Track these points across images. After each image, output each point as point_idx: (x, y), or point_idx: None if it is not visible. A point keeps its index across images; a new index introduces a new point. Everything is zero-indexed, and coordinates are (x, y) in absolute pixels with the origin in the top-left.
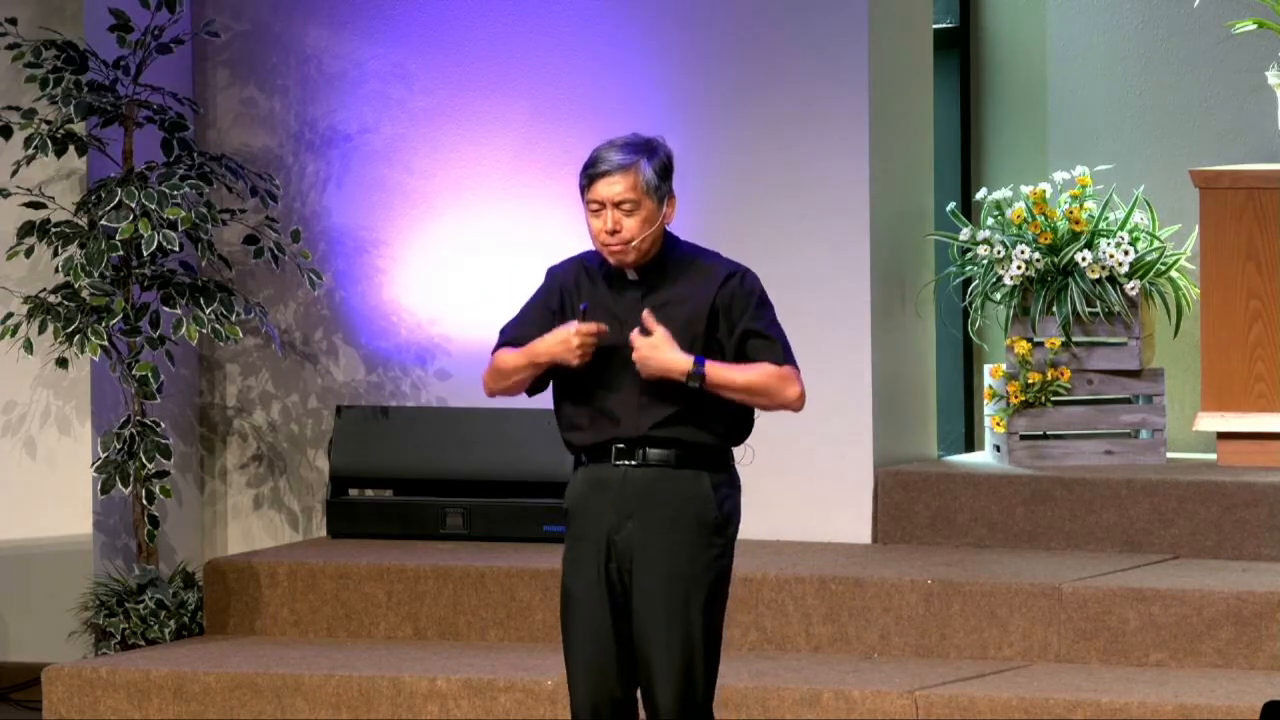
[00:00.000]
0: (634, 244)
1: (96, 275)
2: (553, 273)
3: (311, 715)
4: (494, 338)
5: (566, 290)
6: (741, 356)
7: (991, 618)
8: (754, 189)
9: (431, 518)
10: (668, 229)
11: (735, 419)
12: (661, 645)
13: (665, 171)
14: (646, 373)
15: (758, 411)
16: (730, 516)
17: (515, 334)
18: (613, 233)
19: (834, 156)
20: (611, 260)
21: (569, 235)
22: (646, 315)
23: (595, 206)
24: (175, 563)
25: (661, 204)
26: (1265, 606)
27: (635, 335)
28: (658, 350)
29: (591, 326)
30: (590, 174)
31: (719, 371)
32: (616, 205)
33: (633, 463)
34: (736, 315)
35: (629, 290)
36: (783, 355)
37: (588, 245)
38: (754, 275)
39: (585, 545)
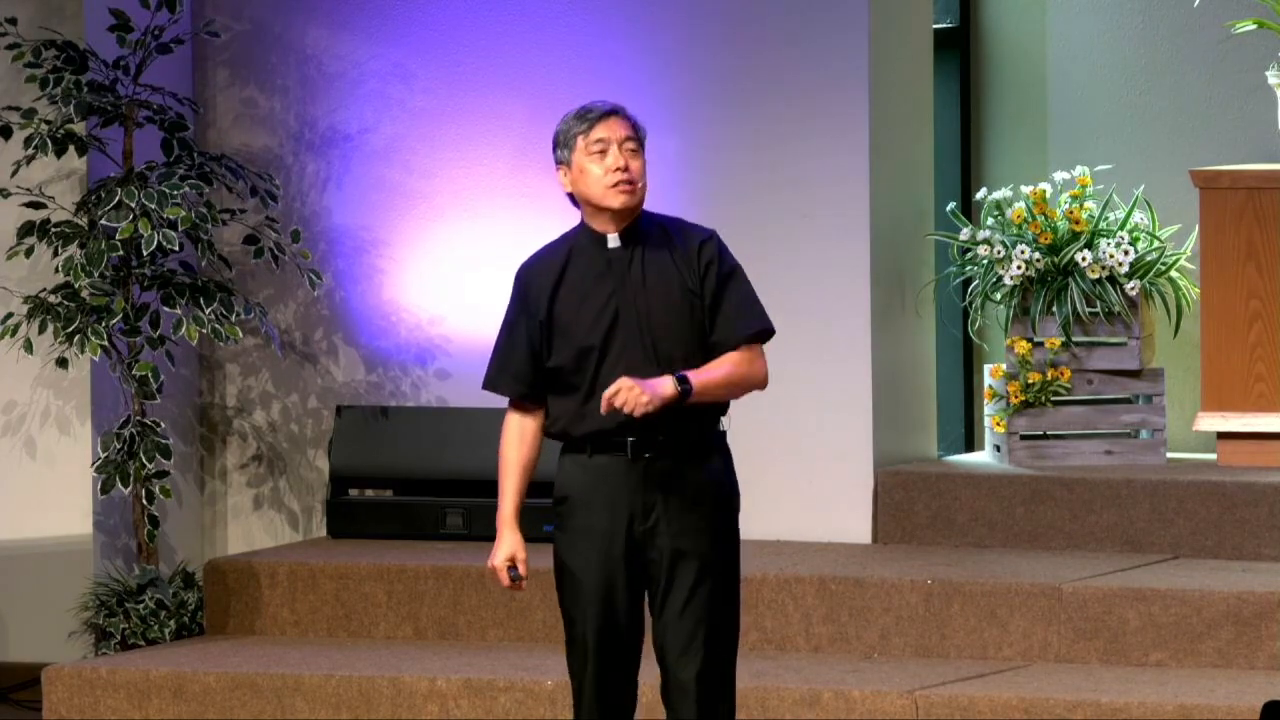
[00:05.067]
0: (638, 184)
1: (96, 275)
2: (523, 276)
3: (311, 715)
4: (493, 337)
5: (544, 290)
6: (723, 325)
7: (991, 618)
8: (753, 188)
9: (431, 518)
10: None
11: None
12: (691, 626)
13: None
14: (644, 410)
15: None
16: (736, 490)
17: (507, 369)
18: (624, 169)
19: (834, 156)
20: (616, 202)
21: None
22: (606, 396)
23: (599, 147)
24: (175, 563)
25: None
26: (1265, 606)
27: (610, 393)
28: (649, 387)
29: (506, 581)
30: (590, 119)
31: (701, 379)
32: (621, 144)
33: (649, 454)
34: (715, 285)
35: (616, 254)
36: (757, 325)
37: None
38: (720, 240)
39: (588, 539)
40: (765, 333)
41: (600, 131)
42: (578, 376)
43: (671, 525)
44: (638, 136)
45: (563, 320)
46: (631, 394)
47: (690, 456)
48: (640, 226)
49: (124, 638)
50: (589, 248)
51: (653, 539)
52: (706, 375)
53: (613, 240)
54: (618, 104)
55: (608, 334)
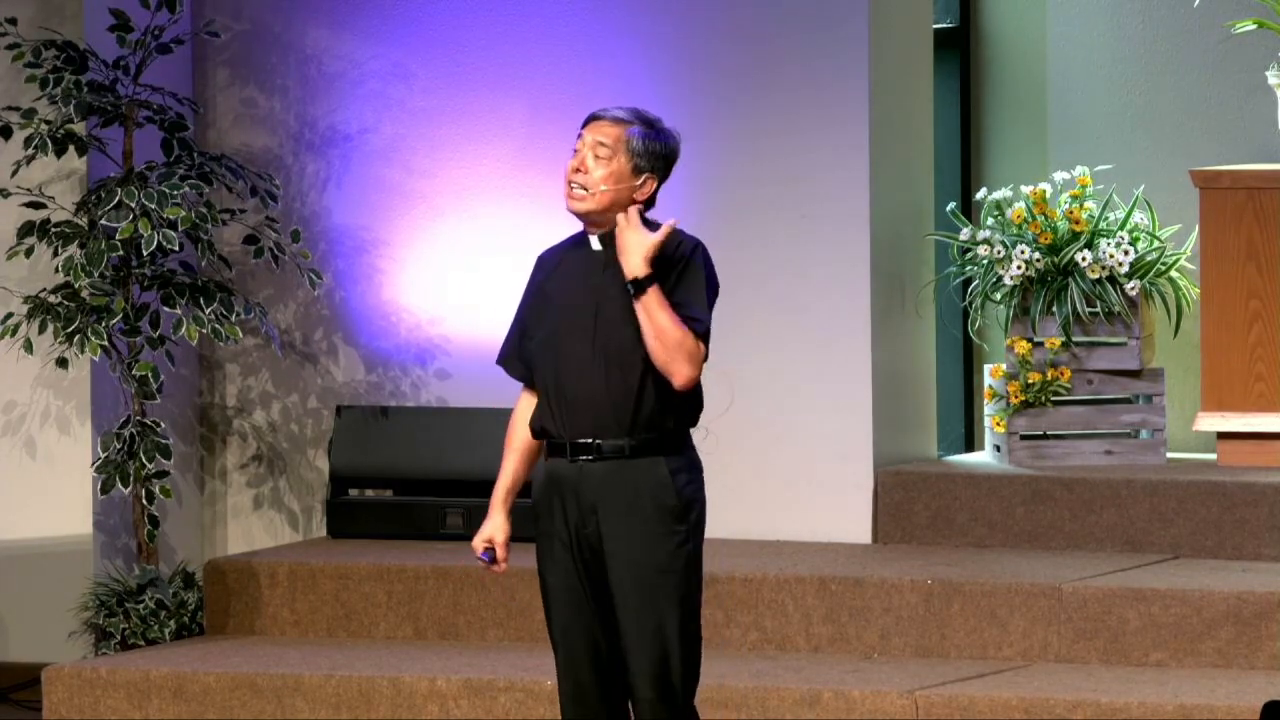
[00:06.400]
0: (591, 191)
1: (96, 275)
2: (539, 260)
3: (311, 715)
4: (494, 337)
5: (545, 274)
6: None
7: (991, 618)
8: (754, 188)
9: (431, 518)
10: (649, 216)
11: (686, 402)
12: (635, 637)
13: (656, 151)
14: (619, 240)
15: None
16: (692, 502)
17: (512, 351)
18: (577, 170)
19: (834, 156)
20: (567, 201)
21: (569, 234)
22: (631, 210)
23: (576, 147)
24: (175, 563)
25: (637, 174)
26: (1265, 606)
27: (622, 217)
28: (636, 239)
29: (479, 553)
30: (587, 118)
31: (657, 297)
32: (591, 148)
33: (589, 457)
34: (676, 284)
35: (593, 258)
36: (700, 330)
37: None
38: (703, 250)
39: (555, 543)
40: (693, 322)
41: (583, 132)
42: (540, 369)
43: (613, 530)
44: (613, 145)
45: (536, 312)
46: (625, 231)
47: (631, 460)
48: None
49: (124, 638)
50: (580, 247)
51: (600, 543)
52: (664, 301)
53: (594, 243)
54: (623, 114)
55: (563, 330)
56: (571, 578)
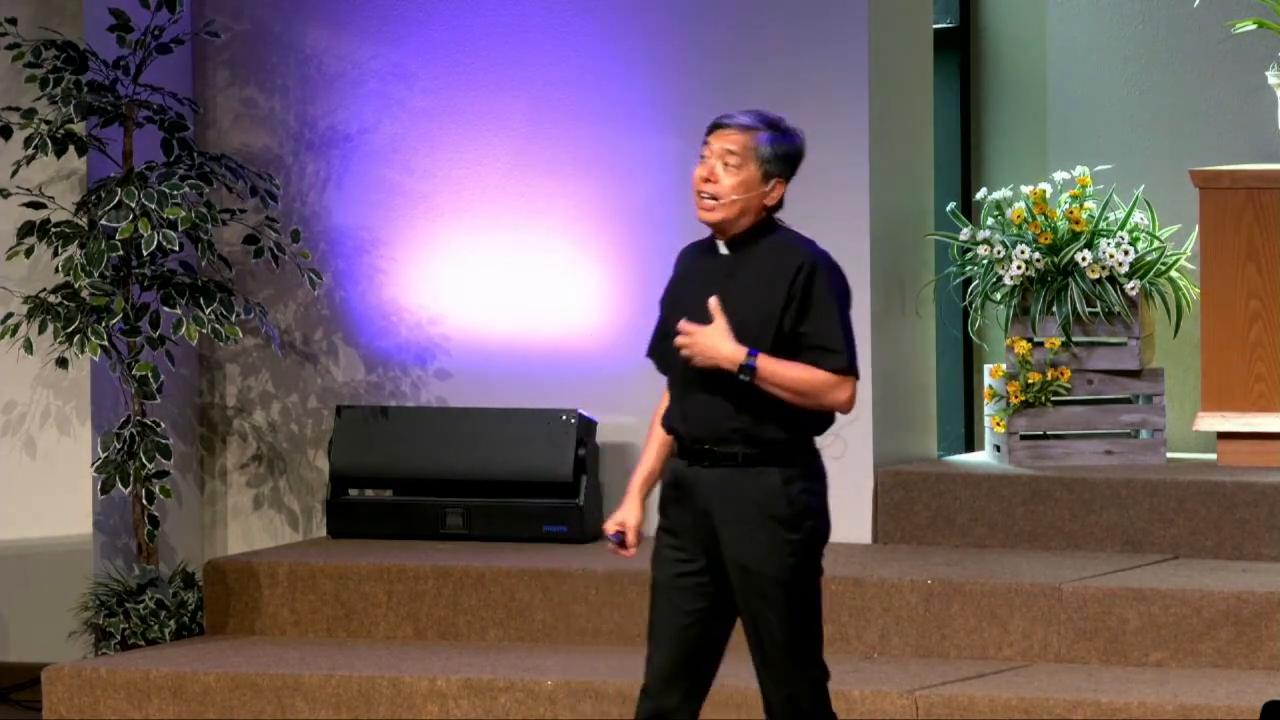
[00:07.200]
0: (721, 200)
1: (96, 275)
2: (679, 255)
3: (311, 715)
4: (494, 337)
5: (679, 274)
6: (804, 356)
7: (991, 618)
8: None
9: (431, 518)
10: (777, 217)
11: (805, 411)
12: (755, 643)
13: (784, 155)
14: (696, 362)
15: None
16: (805, 511)
17: (655, 344)
18: (706, 180)
19: (834, 156)
20: (698, 211)
21: (568, 234)
22: (712, 303)
23: (703, 155)
24: (175, 563)
25: (766, 180)
26: (1265, 606)
27: (687, 324)
28: (710, 339)
29: (610, 544)
30: (711, 125)
31: (771, 367)
32: (720, 157)
33: (705, 463)
34: (803, 312)
35: (720, 263)
36: (843, 363)
37: (585, 245)
38: (830, 266)
39: (670, 538)
40: (840, 371)
41: (710, 140)
42: (669, 370)
43: (726, 536)
44: (742, 154)
45: (666, 310)
46: (692, 343)
47: (743, 468)
48: (757, 238)
49: (124, 638)
50: (709, 248)
51: (716, 547)
52: (778, 366)
53: (722, 248)
54: (749, 120)
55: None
56: (675, 575)
